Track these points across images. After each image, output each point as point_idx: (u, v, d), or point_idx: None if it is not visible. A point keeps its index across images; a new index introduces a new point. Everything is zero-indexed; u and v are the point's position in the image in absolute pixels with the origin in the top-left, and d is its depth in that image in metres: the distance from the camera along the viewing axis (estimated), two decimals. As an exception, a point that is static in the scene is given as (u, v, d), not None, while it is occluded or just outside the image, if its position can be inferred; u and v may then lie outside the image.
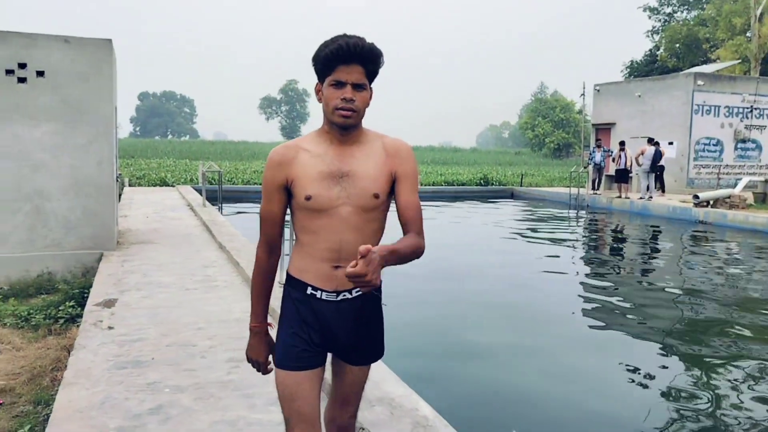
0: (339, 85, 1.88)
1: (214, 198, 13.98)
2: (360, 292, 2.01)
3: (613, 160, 19.67)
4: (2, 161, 7.13)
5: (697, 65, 32.68)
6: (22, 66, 7.14)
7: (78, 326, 5.07)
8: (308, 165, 1.95)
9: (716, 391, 4.97)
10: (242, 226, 10.98)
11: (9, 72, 7.10)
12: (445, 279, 8.99)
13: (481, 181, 24.87)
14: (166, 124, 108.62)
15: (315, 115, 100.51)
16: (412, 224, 1.97)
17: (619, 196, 19.10)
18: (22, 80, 7.16)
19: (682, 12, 43.94)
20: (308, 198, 1.93)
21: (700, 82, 21.27)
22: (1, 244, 7.17)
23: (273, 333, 2.16)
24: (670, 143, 21.34)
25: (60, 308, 5.85)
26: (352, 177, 1.94)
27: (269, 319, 2.21)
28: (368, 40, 1.92)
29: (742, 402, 4.75)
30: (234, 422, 3.26)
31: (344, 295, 2.00)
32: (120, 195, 14.79)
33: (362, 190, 1.94)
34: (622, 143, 19.50)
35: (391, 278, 8.62)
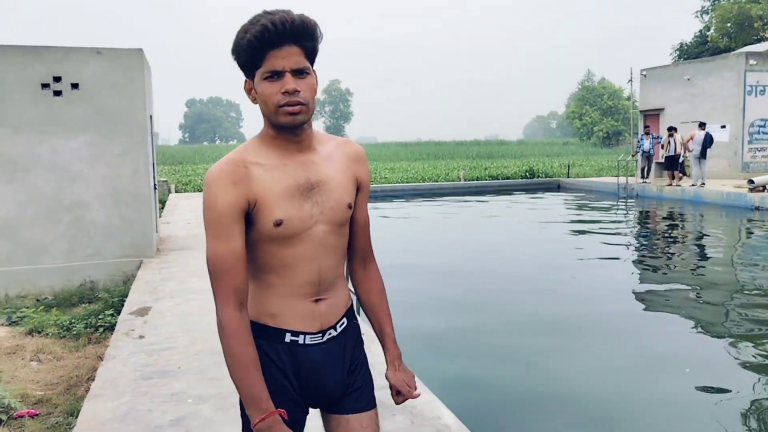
0: (275, 75, 1.49)
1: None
2: (344, 324, 1.71)
3: (662, 146, 18.99)
4: (42, 173, 7.30)
5: (751, 44, 31.32)
6: (57, 79, 7.29)
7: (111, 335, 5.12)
8: (269, 181, 1.54)
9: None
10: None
11: (45, 86, 7.26)
12: (477, 276, 8.80)
13: (527, 174, 24.42)
14: (213, 129, 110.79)
15: (359, 114, 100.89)
16: (368, 245, 1.79)
17: (670, 184, 18.44)
18: (57, 93, 7.31)
19: (733, -11, 42.17)
20: (278, 224, 1.53)
21: (752, 62, 20.34)
22: (44, 254, 7.34)
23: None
24: (723, 126, 20.49)
25: (100, 317, 5.94)
26: (323, 187, 1.59)
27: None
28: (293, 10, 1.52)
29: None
30: (253, 433, 3.19)
31: (330, 333, 1.66)
32: (164, 202, 15.07)
33: (336, 201, 1.61)
34: (670, 129, 18.81)
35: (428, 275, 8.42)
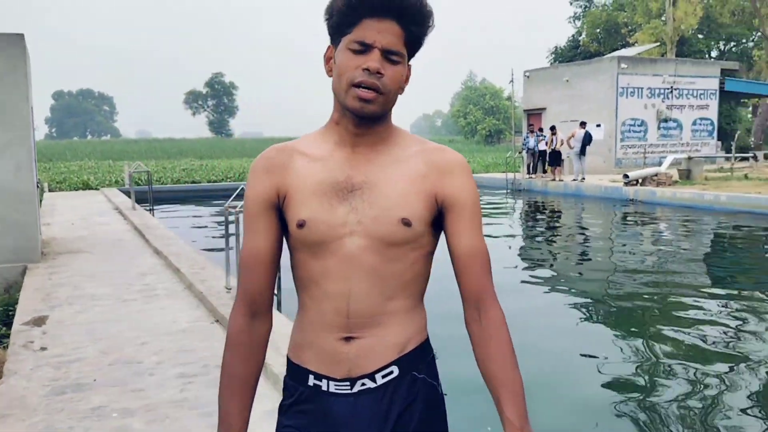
0: (362, 48, 1.22)
1: (144, 200, 13.36)
2: (393, 376, 1.29)
3: (547, 144, 20.06)
4: None
5: (617, 49, 33.74)
6: (-76, 66, 6.51)
7: (5, 348, 4.63)
8: (304, 175, 1.29)
9: (652, 367, 5.03)
10: (177, 229, 10.52)
11: None
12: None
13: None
14: (84, 123, 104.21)
15: (245, 108, 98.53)
16: (480, 286, 1.29)
17: (554, 179, 19.48)
18: (-76, 81, 6.52)
19: (601, -3, 45.25)
20: (301, 224, 1.26)
21: (623, 66, 21.93)
22: None
23: None
24: (598, 125, 21.92)
25: (-17, 329, 5.36)
26: (368, 191, 1.26)
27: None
28: None
29: (672, 371, 4.82)
30: (193, 446, 2.99)
31: (363, 384, 1.28)
32: (41, 201, 13.95)
33: (383, 211, 1.25)
34: (552, 128, 19.88)
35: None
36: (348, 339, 1.28)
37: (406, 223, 1.25)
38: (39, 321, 5.09)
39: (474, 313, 1.29)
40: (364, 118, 1.26)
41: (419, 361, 1.32)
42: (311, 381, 1.30)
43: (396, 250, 1.27)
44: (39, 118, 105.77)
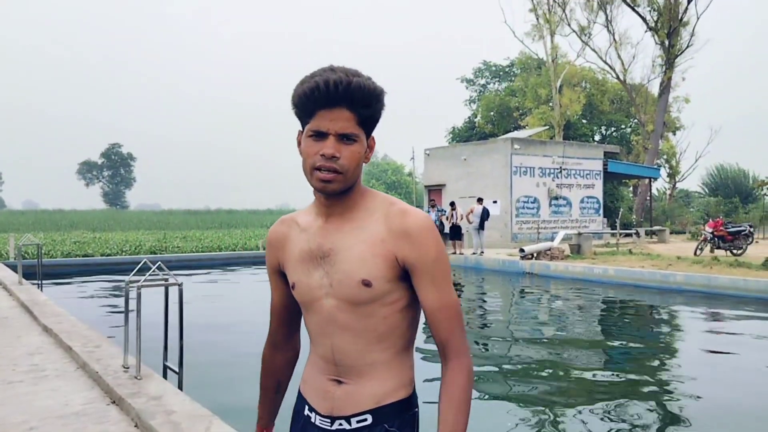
0: (318, 135, 1.39)
1: (32, 274, 12.55)
2: (366, 423, 1.44)
3: (447, 218, 20.77)
4: None
5: (510, 131, 36.00)
6: None
7: None
8: (294, 244, 1.54)
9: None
10: (68, 304, 9.94)
11: None
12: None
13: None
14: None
15: (142, 180, 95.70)
16: (445, 337, 1.41)
17: (454, 252, 20.09)
18: None
19: (494, 83, 48.42)
20: (293, 287, 1.53)
21: (516, 146, 23.37)
22: None
23: None
24: (494, 201, 23.02)
25: None
26: (335, 257, 1.45)
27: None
28: (365, 73, 1.42)
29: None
30: None
31: (340, 424, 1.46)
32: None
33: (346, 275, 1.42)
34: (452, 203, 20.67)
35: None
36: (338, 381, 1.49)
37: (366, 284, 1.41)
38: None
39: (442, 360, 1.44)
40: (330, 195, 1.44)
41: (394, 416, 1.45)
42: (306, 411, 1.54)
43: (364, 308, 1.43)
44: None
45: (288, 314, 1.67)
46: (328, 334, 1.48)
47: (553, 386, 6.72)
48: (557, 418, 5.66)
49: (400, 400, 1.46)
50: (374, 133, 1.50)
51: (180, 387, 5.10)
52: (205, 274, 18.04)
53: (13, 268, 12.91)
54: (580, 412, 5.77)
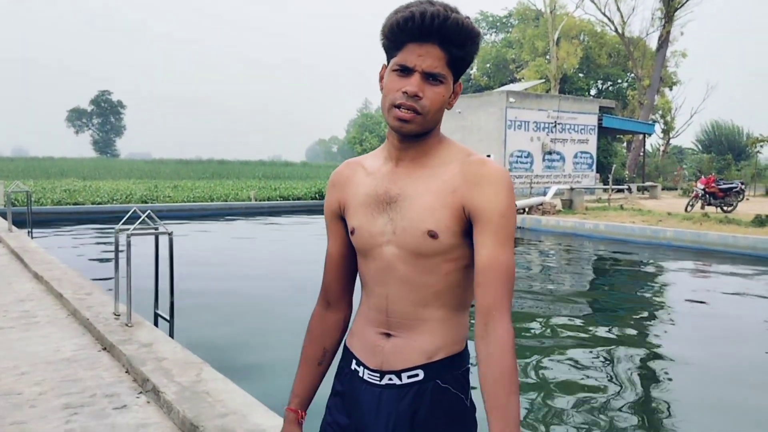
0: (404, 71, 1.30)
1: (22, 222, 12.49)
2: (417, 378, 1.37)
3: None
4: None
5: (506, 84, 35.61)
6: None
7: None
8: (358, 187, 1.44)
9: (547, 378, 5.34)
10: (59, 252, 9.93)
11: None
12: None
13: (317, 195, 24.89)
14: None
15: (133, 128, 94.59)
16: (490, 299, 1.27)
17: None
18: None
19: (491, 34, 47.68)
20: (352, 232, 1.44)
21: (511, 100, 23.16)
22: None
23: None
24: (488, 156, 22.88)
25: None
26: (401, 203, 1.36)
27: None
28: (463, 12, 1.29)
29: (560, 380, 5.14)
30: (80, 480, 2.84)
31: (390, 379, 1.39)
32: None
33: (411, 223, 1.34)
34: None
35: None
36: (387, 335, 1.40)
37: (432, 235, 1.32)
38: None
39: (482, 329, 1.28)
40: (405, 136, 1.35)
41: (446, 371, 1.37)
42: (353, 365, 1.45)
43: (427, 261, 1.34)
44: None
45: (345, 265, 1.52)
46: (384, 283, 1.39)
47: (541, 339, 6.82)
48: (544, 371, 5.76)
49: (452, 356, 1.38)
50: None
51: (171, 335, 5.14)
52: (197, 223, 18.03)
53: (3, 215, 12.85)
54: (565, 364, 5.87)
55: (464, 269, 1.36)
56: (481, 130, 23.45)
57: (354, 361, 1.45)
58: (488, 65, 42.10)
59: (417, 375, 1.37)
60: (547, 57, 37.76)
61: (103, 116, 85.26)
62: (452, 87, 1.35)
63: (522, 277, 10.67)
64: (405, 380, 1.37)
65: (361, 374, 1.43)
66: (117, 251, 5.43)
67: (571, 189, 19.33)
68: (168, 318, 5.28)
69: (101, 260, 11.06)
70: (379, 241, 1.38)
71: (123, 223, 5.26)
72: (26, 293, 6.64)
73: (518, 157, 23.49)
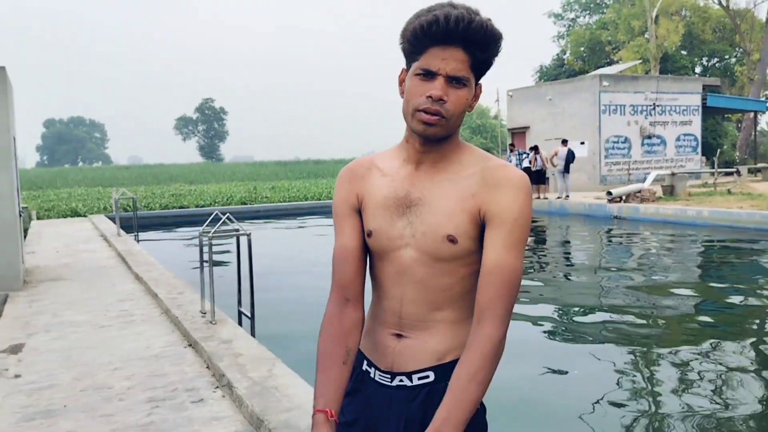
0: (427, 75, 1.30)
1: (130, 226, 13.42)
2: (428, 380, 1.38)
3: (530, 162, 20.20)
4: None
5: (602, 67, 34.22)
6: None
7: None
8: (376, 188, 1.44)
9: (653, 377, 5.12)
10: (160, 254, 10.55)
11: None
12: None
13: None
14: (76, 150, 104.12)
15: (234, 134, 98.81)
16: (487, 299, 1.30)
17: (538, 197, 19.63)
18: None
19: (585, 17, 45.95)
20: (369, 234, 1.43)
21: (605, 83, 22.24)
22: None
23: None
24: (582, 143, 22.16)
25: (-38, 359, 5.40)
26: (422, 207, 1.37)
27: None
28: (483, 13, 1.30)
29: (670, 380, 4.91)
30: (156, 469, 3.05)
31: (401, 380, 1.40)
32: (26, 230, 13.97)
33: (431, 227, 1.35)
34: (534, 147, 20.08)
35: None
36: (398, 336, 1.41)
37: (452, 239, 1.33)
38: (15, 349, 5.13)
39: (474, 325, 1.32)
40: (429, 139, 1.35)
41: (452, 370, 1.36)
42: (364, 366, 1.46)
43: (445, 265, 1.36)
44: (30, 146, 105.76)
45: (363, 260, 1.48)
46: (400, 285, 1.40)
47: (645, 335, 6.52)
48: (650, 367, 5.54)
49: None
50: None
51: (252, 332, 5.38)
52: (293, 221, 18.63)
53: (114, 220, 13.83)
54: (673, 362, 5.61)
55: (479, 273, 1.36)
56: (574, 116, 22.68)
57: (365, 362, 1.47)
58: (582, 49, 40.58)
59: (428, 377, 1.38)
60: (646, 36, 35.92)
61: (207, 123, 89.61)
62: (474, 89, 1.35)
63: (620, 270, 10.26)
64: (416, 381, 1.38)
65: (372, 375, 1.44)
66: (201, 252, 5.73)
67: (672, 174, 18.33)
68: (249, 315, 5.52)
69: (197, 261, 11.67)
70: (398, 245, 1.39)
71: (207, 225, 5.56)
72: (127, 293, 7.15)
73: (614, 142, 22.53)
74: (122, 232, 12.33)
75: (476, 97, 1.37)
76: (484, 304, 1.31)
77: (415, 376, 1.38)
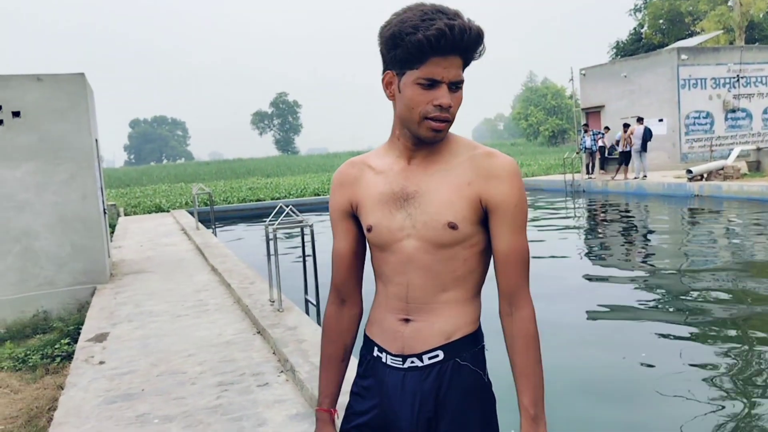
0: (432, 84, 1.36)
1: (208, 220, 13.99)
2: (438, 359, 1.46)
3: (617, 142, 19.33)
4: (-13, 205, 7.15)
5: (682, 39, 32.64)
6: (-3, 108, 7.16)
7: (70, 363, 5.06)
8: (370, 187, 1.51)
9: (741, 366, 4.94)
10: (235, 246, 10.96)
11: (-16, 116, 7.12)
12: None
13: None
14: (160, 149, 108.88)
15: (308, 126, 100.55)
16: (513, 282, 1.43)
17: (613, 178, 19.01)
18: (-2, 122, 7.18)
19: (662, -13, 43.85)
20: (369, 229, 1.50)
21: (683, 57, 21.23)
22: (-7, 287, 7.17)
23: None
24: (660, 120, 21.29)
25: (56, 346, 5.84)
26: (419, 199, 1.44)
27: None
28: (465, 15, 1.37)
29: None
30: (222, 448, 3.24)
31: (412, 362, 1.47)
32: (114, 226, 14.81)
33: (431, 216, 1.42)
34: (606, 128, 19.35)
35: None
36: (406, 320, 1.49)
37: (452, 226, 1.41)
38: (101, 337, 5.52)
39: (507, 308, 1.45)
40: (434, 143, 1.45)
41: (464, 349, 1.47)
42: (375, 352, 1.53)
43: (447, 250, 1.44)
44: (118, 146, 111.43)
45: (357, 262, 1.60)
46: (405, 273, 1.47)
47: (734, 317, 6.28)
48: (739, 350, 5.35)
49: (469, 335, 1.47)
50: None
51: (318, 319, 5.56)
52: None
53: (194, 214, 14.45)
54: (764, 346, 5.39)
55: (480, 254, 1.47)
56: (651, 93, 21.77)
57: (376, 348, 1.53)
58: (661, 21, 38.81)
59: (437, 356, 1.46)
60: (729, 4, 33.97)
61: (282, 117, 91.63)
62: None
63: (702, 251, 9.85)
64: (426, 361, 1.46)
65: (384, 360, 1.51)
66: (268, 243, 5.96)
67: (758, 149, 17.35)
68: (315, 303, 5.70)
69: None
70: (399, 236, 1.46)
71: (271, 218, 5.77)
72: (203, 284, 7.50)
73: (695, 118, 21.50)
74: (201, 225, 12.88)
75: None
76: (511, 288, 1.44)
77: (425, 356, 1.46)
